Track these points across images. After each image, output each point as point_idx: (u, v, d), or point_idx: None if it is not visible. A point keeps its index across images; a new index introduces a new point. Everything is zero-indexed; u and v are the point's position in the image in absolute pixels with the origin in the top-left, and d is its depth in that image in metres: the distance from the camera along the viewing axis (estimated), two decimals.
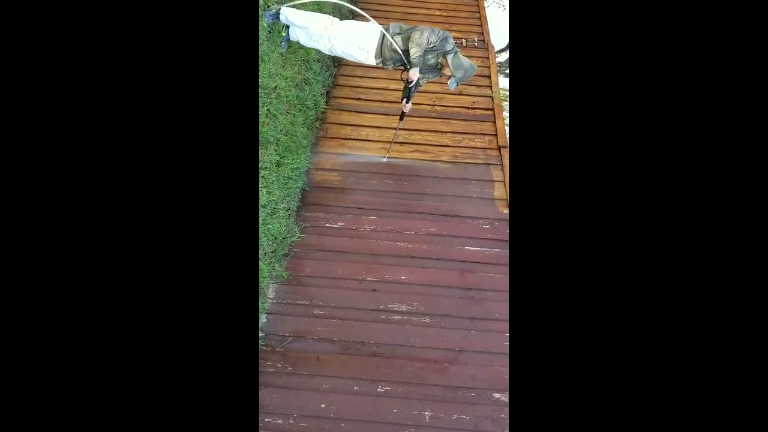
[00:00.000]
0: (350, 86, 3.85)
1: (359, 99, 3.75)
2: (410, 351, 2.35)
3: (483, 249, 2.85)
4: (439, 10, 4.95)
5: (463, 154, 3.45)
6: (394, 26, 2.46)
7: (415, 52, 2.37)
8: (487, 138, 3.61)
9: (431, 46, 2.37)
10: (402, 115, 2.95)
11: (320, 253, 2.73)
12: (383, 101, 3.77)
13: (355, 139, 3.47)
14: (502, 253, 2.82)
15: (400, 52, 2.43)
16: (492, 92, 4.00)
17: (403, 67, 2.52)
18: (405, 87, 2.68)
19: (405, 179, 3.23)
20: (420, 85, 2.73)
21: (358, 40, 2.49)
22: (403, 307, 2.52)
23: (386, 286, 2.60)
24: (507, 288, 2.59)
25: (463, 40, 4.53)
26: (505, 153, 3.49)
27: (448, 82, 2.47)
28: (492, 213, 3.06)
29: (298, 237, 2.75)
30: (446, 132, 3.60)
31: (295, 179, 2.85)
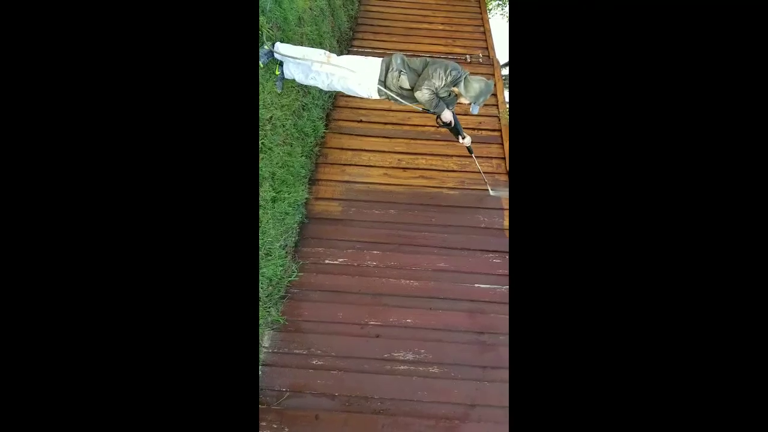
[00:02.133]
0: (351, 108, 3.68)
1: (360, 122, 3.58)
2: (417, 407, 2.16)
3: (494, 286, 2.66)
4: (442, 24, 4.79)
5: (470, 180, 3.27)
6: (396, 60, 2.30)
7: (429, 104, 2.30)
8: (494, 162, 3.43)
9: (442, 90, 2.27)
10: (470, 150, 2.85)
11: (319, 294, 2.54)
12: (385, 123, 3.60)
13: (357, 165, 3.29)
14: None
15: (413, 99, 2.33)
16: (498, 112, 3.82)
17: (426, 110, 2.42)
18: (448, 128, 2.58)
19: (409, 209, 3.04)
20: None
21: (358, 74, 2.32)
22: (410, 356, 2.33)
23: (390, 331, 2.41)
24: None
25: (468, 56, 4.36)
26: None
27: (470, 109, 2.32)
28: (503, 245, 2.87)
29: (296, 276, 2.57)
30: (452, 156, 3.42)
31: (293, 213, 2.67)
